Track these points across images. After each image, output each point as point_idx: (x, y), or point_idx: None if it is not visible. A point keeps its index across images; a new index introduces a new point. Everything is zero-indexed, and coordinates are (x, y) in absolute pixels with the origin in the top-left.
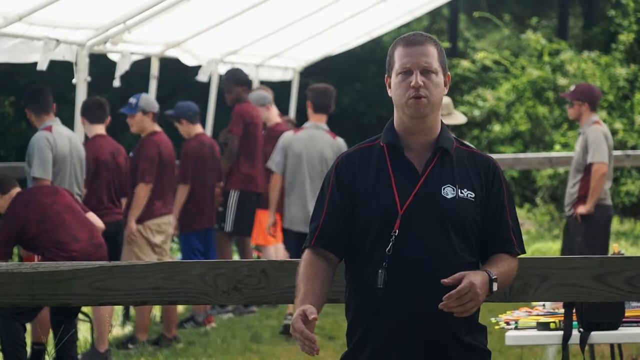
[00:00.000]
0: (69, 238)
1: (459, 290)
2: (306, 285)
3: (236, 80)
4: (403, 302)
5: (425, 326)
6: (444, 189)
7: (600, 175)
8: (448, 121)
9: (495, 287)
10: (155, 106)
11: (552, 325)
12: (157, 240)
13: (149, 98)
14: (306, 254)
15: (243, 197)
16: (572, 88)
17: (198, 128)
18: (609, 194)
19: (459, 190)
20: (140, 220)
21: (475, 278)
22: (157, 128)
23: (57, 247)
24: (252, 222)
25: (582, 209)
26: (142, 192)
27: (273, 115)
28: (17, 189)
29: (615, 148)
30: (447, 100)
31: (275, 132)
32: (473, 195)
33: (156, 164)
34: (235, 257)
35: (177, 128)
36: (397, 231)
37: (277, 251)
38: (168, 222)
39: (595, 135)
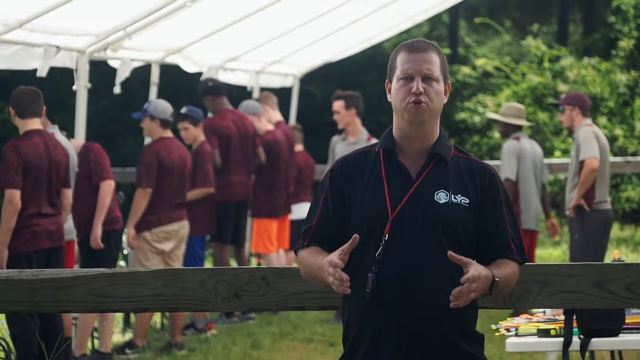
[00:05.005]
0: (36, 210)
1: (469, 278)
2: (318, 258)
3: (199, 94)
4: (392, 306)
5: (415, 331)
6: (437, 194)
7: (591, 170)
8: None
9: (495, 289)
10: (164, 112)
11: (553, 332)
12: (166, 247)
13: (160, 104)
14: (301, 252)
15: (219, 208)
16: (562, 97)
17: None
18: (607, 199)
19: (453, 196)
20: (145, 228)
21: (481, 270)
22: (167, 134)
23: (26, 218)
24: (236, 231)
25: (572, 202)
26: (139, 196)
27: (264, 124)
28: (32, 127)
29: (615, 154)
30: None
31: (265, 141)
32: (467, 201)
33: (154, 169)
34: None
35: (187, 130)
36: (387, 235)
37: (279, 258)
38: (180, 228)
39: (585, 134)
